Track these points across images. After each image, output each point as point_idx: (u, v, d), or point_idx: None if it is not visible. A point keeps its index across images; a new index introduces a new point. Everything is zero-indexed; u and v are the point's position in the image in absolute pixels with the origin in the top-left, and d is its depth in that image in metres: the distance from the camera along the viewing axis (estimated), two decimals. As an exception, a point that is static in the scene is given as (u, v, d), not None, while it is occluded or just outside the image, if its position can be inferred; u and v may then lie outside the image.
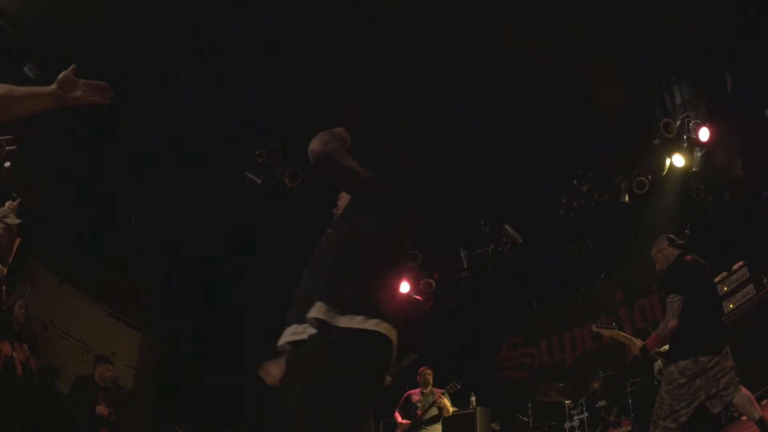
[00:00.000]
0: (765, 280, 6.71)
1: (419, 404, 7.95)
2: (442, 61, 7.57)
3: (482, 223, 10.32)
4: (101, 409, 6.83)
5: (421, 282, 11.00)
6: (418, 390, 8.15)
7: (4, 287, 5.10)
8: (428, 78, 7.80)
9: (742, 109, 7.84)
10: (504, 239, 10.41)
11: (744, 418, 5.02)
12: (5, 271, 4.72)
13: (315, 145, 2.42)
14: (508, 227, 10.28)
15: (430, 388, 8.01)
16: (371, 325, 2.20)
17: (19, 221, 4.33)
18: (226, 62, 7.24)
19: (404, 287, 10.79)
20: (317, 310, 2.19)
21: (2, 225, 4.06)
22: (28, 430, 5.53)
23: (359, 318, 2.19)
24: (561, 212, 9.80)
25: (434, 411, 7.88)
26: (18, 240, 5.52)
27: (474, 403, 9.20)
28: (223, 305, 9.76)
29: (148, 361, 9.13)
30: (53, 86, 2.30)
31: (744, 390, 4.47)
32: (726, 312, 6.78)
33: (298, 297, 2.38)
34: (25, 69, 6.53)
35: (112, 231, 8.60)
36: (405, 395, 8.33)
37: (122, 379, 8.15)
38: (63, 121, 7.42)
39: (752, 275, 6.90)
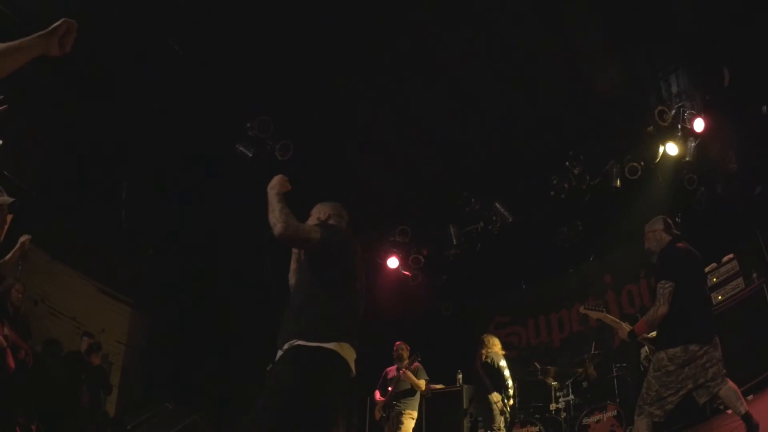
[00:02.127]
0: (754, 275, 6.77)
1: (393, 381, 7.98)
2: (435, 38, 7.48)
3: (472, 200, 10.26)
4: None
5: (410, 258, 10.93)
6: (394, 367, 8.13)
7: None
8: (421, 55, 7.71)
9: (738, 102, 7.83)
10: (494, 217, 10.32)
11: (729, 411, 5.09)
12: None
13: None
14: (498, 206, 10.22)
15: (405, 362, 7.96)
16: (329, 345, 2.99)
17: (11, 200, 4.27)
18: (219, 36, 7.11)
19: (393, 262, 10.85)
20: (290, 343, 3.01)
21: None
22: (21, 412, 5.52)
23: (321, 342, 2.99)
24: (552, 193, 9.75)
25: (406, 385, 7.84)
26: (10, 217, 5.46)
27: (461, 380, 9.32)
28: (212, 281, 9.74)
29: (138, 337, 9.14)
30: (46, 32, 2.23)
31: (731, 383, 4.47)
32: (714, 303, 6.85)
33: (282, 328, 3.15)
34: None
35: (102, 206, 8.49)
36: (383, 373, 8.34)
37: (112, 356, 8.15)
38: (54, 97, 7.28)
39: (742, 269, 6.96)
